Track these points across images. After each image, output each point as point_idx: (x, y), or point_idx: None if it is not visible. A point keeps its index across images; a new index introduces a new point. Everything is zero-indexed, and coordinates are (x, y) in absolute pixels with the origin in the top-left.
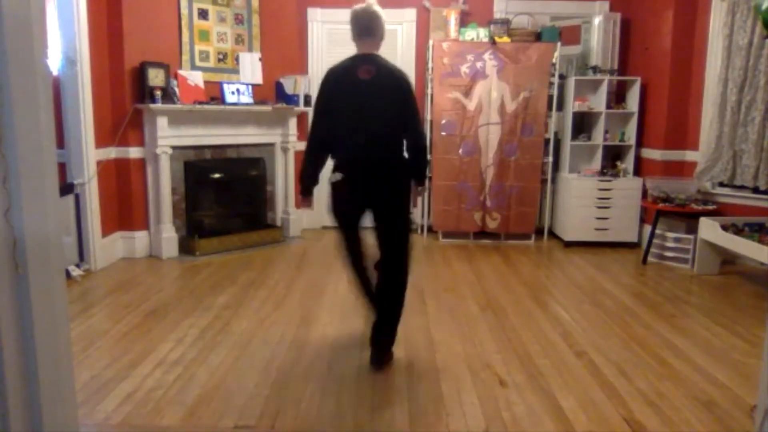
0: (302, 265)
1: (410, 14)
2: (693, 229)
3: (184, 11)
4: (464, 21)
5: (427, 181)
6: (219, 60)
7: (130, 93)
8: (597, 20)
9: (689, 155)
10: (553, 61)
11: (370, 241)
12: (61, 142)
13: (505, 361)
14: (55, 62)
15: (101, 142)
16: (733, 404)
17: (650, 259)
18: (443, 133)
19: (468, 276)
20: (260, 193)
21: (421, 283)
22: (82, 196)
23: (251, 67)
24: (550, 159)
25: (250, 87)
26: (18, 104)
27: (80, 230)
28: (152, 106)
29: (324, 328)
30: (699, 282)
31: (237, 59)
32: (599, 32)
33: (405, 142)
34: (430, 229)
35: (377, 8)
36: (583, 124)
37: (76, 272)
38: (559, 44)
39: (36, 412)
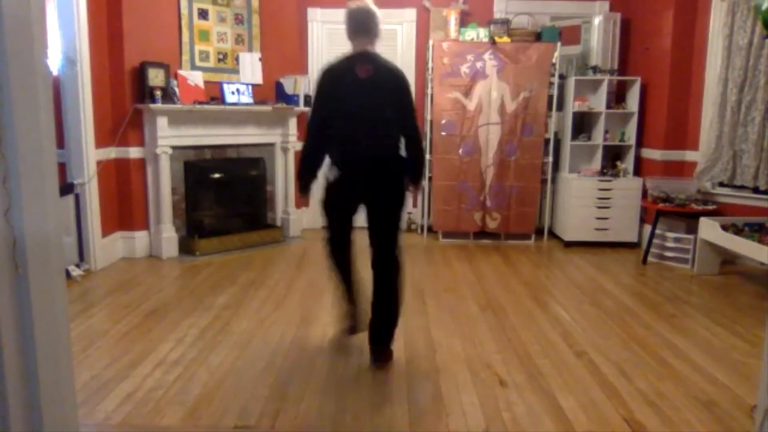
0: (302, 265)
1: (410, 14)
2: (693, 229)
3: (184, 11)
4: (464, 21)
5: (425, 181)
6: (219, 60)
7: (130, 93)
8: (597, 20)
9: (689, 155)
10: (553, 61)
11: (361, 241)
12: (61, 142)
13: (505, 361)
14: (55, 62)
15: (101, 142)
16: (733, 404)
17: (650, 259)
18: (443, 133)
19: (468, 276)
20: (260, 193)
21: (421, 283)
22: (82, 196)
23: (251, 67)
24: (550, 159)
25: (250, 87)
26: (18, 104)
27: (80, 230)
28: (152, 106)
29: (324, 328)
30: (699, 282)
31: (237, 59)
32: (599, 32)
33: (402, 140)
34: (430, 229)
35: (372, 6)
36: (583, 124)
37: (76, 272)
38: (559, 44)
39: (36, 412)
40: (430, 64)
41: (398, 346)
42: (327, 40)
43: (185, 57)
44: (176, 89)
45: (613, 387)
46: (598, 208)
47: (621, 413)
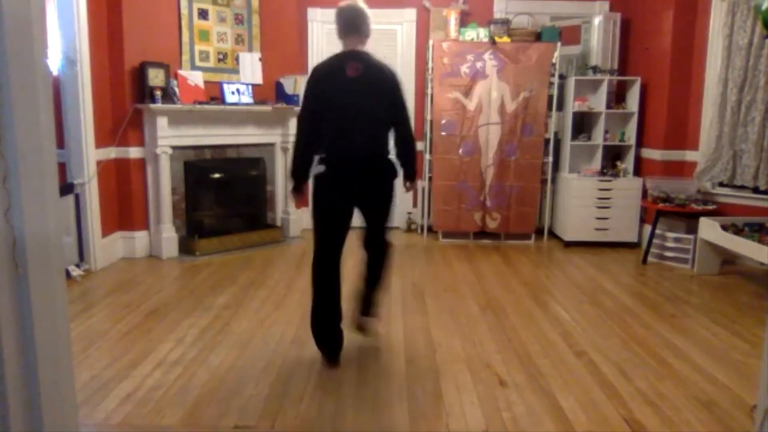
0: (302, 265)
1: (410, 14)
2: (693, 229)
3: (184, 11)
4: (464, 21)
5: (425, 181)
6: (219, 60)
7: (130, 93)
8: (597, 20)
9: (689, 155)
10: (553, 61)
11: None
12: (61, 142)
13: (505, 361)
14: (55, 62)
15: (101, 142)
16: (733, 404)
17: (650, 259)
18: (443, 133)
19: (468, 276)
20: (260, 193)
21: (421, 283)
22: (82, 196)
23: (251, 67)
24: (550, 159)
25: (250, 87)
26: (18, 104)
27: (80, 230)
28: (152, 106)
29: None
30: (699, 282)
31: (237, 59)
32: (599, 32)
33: (394, 138)
34: (430, 229)
35: (363, 5)
36: (583, 124)
37: (76, 272)
38: (559, 44)
39: (36, 412)
40: (430, 64)
41: (398, 346)
42: (327, 40)
43: (185, 57)
44: (176, 89)
45: (613, 387)
46: (598, 208)
47: (621, 413)
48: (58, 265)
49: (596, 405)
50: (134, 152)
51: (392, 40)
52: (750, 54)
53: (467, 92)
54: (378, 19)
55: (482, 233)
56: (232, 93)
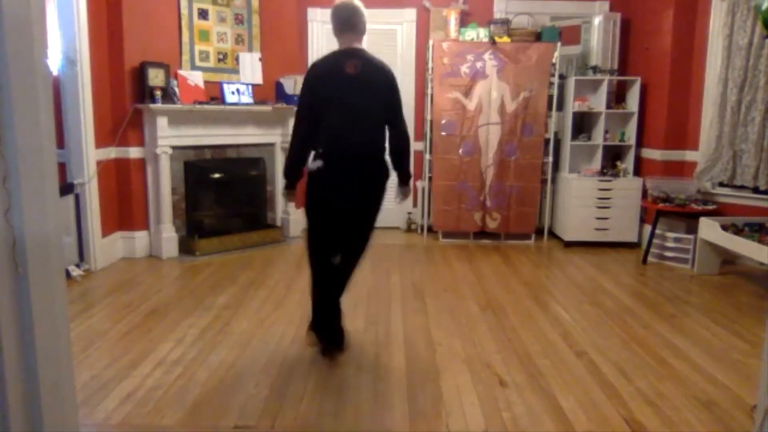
0: (302, 265)
1: (410, 14)
2: (693, 229)
3: (184, 11)
4: (464, 21)
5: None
6: (219, 60)
7: (130, 93)
8: (597, 20)
9: (689, 155)
10: (553, 61)
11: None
12: (61, 142)
13: (505, 361)
14: (55, 62)
15: (101, 142)
16: (733, 404)
17: (650, 259)
18: (443, 133)
19: (468, 276)
20: (260, 193)
21: (421, 283)
22: (82, 196)
23: (251, 67)
24: (550, 159)
25: (250, 87)
26: (18, 104)
27: (80, 230)
28: (152, 106)
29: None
30: (699, 282)
31: (237, 59)
32: (599, 32)
33: (389, 136)
34: (430, 229)
35: (358, 2)
36: (583, 124)
37: (76, 272)
38: (559, 44)
39: (36, 412)
40: (430, 64)
41: (398, 346)
42: (327, 40)
43: (185, 57)
44: (176, 89)
45: (613, 387)
46: (598, 208)
47: (621, 413)
48: (58, 265)
49: (596, 405)
50: (134, 152)
51: (392, 40)
52: (750, 54)
53: (467, 92)
54: (378, 19)
55: (482, 233)
56: (232, 93)
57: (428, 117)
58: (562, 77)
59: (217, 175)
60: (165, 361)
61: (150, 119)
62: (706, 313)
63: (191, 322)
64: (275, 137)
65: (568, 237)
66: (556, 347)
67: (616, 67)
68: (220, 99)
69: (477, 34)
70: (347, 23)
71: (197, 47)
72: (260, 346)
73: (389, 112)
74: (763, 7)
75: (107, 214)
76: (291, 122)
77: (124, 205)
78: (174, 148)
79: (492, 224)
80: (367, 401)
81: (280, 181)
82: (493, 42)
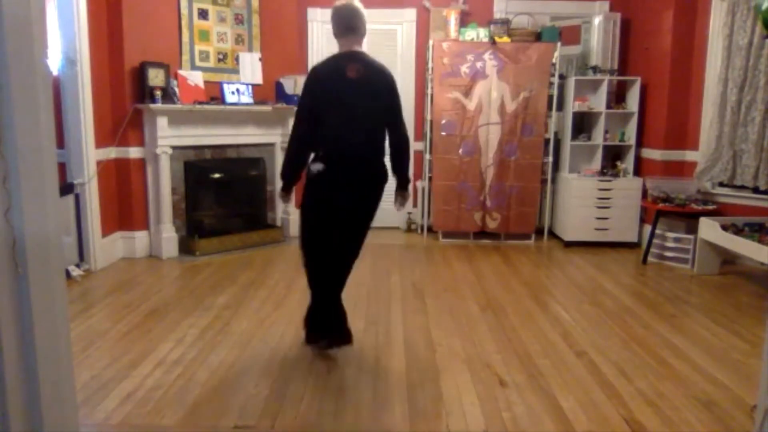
0: (301, 265)
1: (410, 14)
2: (693, 229)
3: (184, 11)
4: (464, 21)
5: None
6: (219, 60)
7: (130, 93)
8: (597, 20)
9: (689, 155)
10: (553, 61)
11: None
12: (61, 142)
13: (505, 361)
14: (55, 62)
15: (101, 142)
16: (733, 404)
17: (650, 259)
18: (443, 133)
19: (468, 276)
20: (260, 193)
21: (421, 283)
22: (82, 196)
23: (251, 67)
24: (550, 159)
25: (250, 87)
26: (18, 104)
27: (80, 230)
28: (152, 106)
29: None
30: (699, 282)
31: (237, 59)
32: (599, 32)
33: (389, 140)
34: (430, 229)
35: (358, 4)
36: (583, 124)
37: (76, 272)
38: (559, 44)
39: (36, 412)
40: (430, 64)
41: (398, 346)
42: (327, 40)
43: (185, 57)
44: (176, 89)
45: (613, 387)
46: (598, 208)
47: (621, 413)
48: (58, 265)
49: (596, 405)
50: (134, 152)
51: (392, 40)
52: (750, 54)
53: (467, 92)
54: (378, 19)
55: (482, 233)
56: (232, 93)
57: (428, 117)
58: (562, 77)
59: (217, 175)
60: (165, 361)
61: (150, 119)
62: (706, 313)
63: (191, 322)
64: (275, 137)
65: (568, 237)
66: (556, 347)
67: (616, 67)
68: (220, 99)
69: (477, 34)
70: (347, 25)
71: (197, 47)
72: (260, 346)
73: (389, 115)
74: (763, 7)
75: (107, 214)
76: (291, 122)
77: (124, 205)
78: (174, 148)
79: (492, 224)
80: (367, 401)
81: (279, 182)
82: (493, 42)
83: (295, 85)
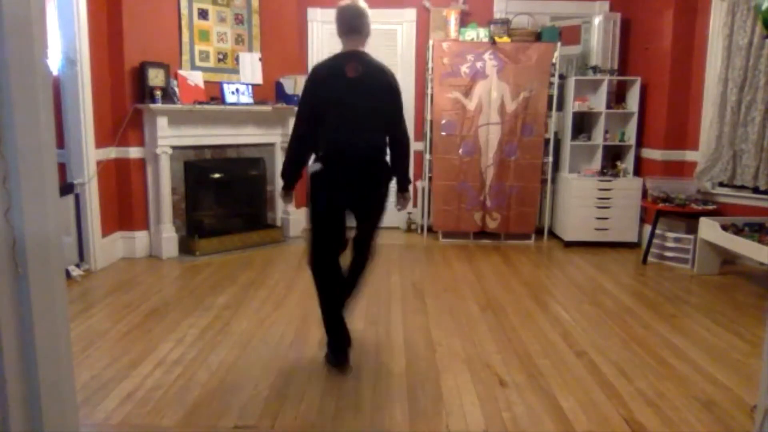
0: (302, 265)
1: (410, 14)
2: (693, 229)
3: (184, 11)
4: (464, 21)
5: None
6: (219, 60)
7: (130, 93)
8: (597, 20)
9: (689, 155)
10: (553, 61)
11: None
12: (61, 142)
13: (505, 361)
14: (55, 62)
15: (101, 142)
16: (733, 404)
17: (650, 259)
18: (443, 133)
19: (468, 276)
20: (260, 193)
21: (421, 283)
22: (82, 196)
23: (251, 67)
24: (550, 159)
25: (250, 87)
26: (18, 104)
27: (80, 230)
28: (152, 106)
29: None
30: (699, 282)
31: (237, 59)
32: (599, 32)
33: (389, 140)
34: (430, 229)
35: (363, 5)
36: (583, 124)
37: (76, 272)
38: (559, 44)
39: (36, 412)
40: (430, 64)
41: (398, 346)
42: (327, 40)
43: (185, 57)
44: (176, 89)
45: (613, 387)
46: (598, 208)
47: (621, 413)
48: (58, 265)
49: (596, 405)
50: (134, 152)
51: (392, 40)
52: (750, 54)
53: (467, 92)
54: (378, 19)
55: (482, 233)
56: (232, 93)
57: (428, 117)
58: (562, 77)
59: (217, 175)
60: (165, 361)
61: (150, 119)
62: (706, 313)
63: (191, 322)
64: (275, 137)
65: (568, 237)
66: (556, 347)
67: (616, 67)
68: (220, 99)
69: (477, 34)
70: (351, 25)
71: (197, 47)
72: (260, 346)
73: (389, 115)
74: (763, 7)
75: (107, 214)
76: (291, 122)
77: (124, 205)
78: (174, 148)
79: (492, 224)
80: (367, 401)
81: (279, 182)
82: (493, 42)
83: (295, 85)
